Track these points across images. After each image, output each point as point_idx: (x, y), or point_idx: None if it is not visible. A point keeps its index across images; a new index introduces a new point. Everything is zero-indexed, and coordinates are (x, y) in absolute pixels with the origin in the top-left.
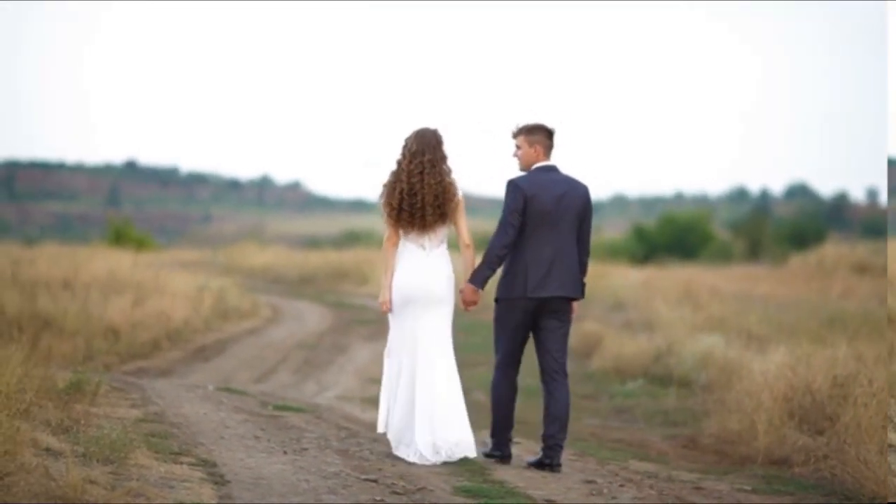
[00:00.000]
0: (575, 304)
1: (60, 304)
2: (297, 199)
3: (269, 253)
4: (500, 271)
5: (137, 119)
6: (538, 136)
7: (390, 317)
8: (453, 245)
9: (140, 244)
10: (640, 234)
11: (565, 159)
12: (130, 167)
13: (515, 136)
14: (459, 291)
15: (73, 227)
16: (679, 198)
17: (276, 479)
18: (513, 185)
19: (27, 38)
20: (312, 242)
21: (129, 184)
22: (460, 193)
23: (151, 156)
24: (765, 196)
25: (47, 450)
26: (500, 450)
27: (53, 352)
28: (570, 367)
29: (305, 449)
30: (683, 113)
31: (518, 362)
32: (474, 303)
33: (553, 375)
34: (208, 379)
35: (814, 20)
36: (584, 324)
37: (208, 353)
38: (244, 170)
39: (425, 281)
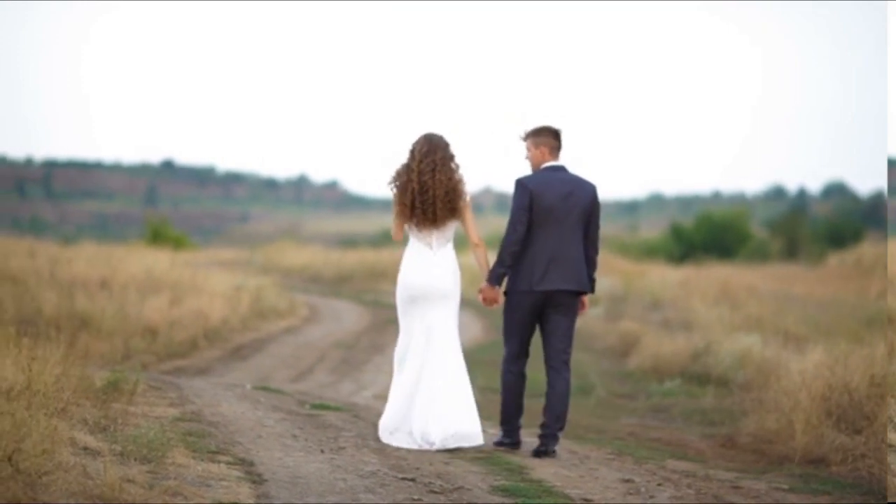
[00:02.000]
0: (585, 299)
1: (98, 304)
2: (334, 198)
3: (306, 252)
4: None
5: (175, 118)
6: (544, 137)
7: (399, 314)
8: (460, 244)
9: (177, 243)
10: (677, 233)
11: (602, 158)
12: (168, 166)
13: (524, 139)
14: (479, 291)
15: (110, 226)
16: (716, 197)
17: (314, 478)
18: (519, 184)
19: (65, 38)
20: (349, 241)
21: (166, 183)
22: (468, 193)
23: (189, 155)
24: (802, 195)
25: (85, 449)
26: (509, 437)
27: (91, 351)
28: (608, 366)
29: (343, 448)
30: (721, 111)
31: (526, 353)
32: (495, 300)
33: (555, 366)
34: (246, 378)
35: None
36: (622, 323)
37: (246, 353)
38: (281, 169)
39: (432, 278)
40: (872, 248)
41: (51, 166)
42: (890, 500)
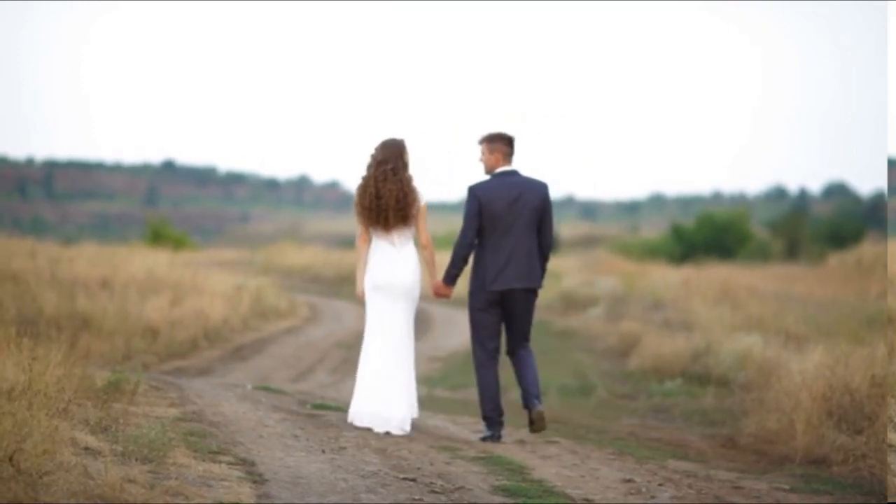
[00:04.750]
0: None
1: (99, 304)
2: (334, 198)
3: (306, 252)
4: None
5: (176, 119)
6: (497, 144)
7: (366, 306)
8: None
9: (178, 244)
10: (678, 233)
11: (603, 159)
12: (168, 167)
13: (479, 143)
14: (433, 286)
15: (111, 226)
16: (717, 197)
17: (315, 478)
18: (469, 192)
19: (65, 38)
20: (350, 242)
21: (167, 183)
22: (422, 201)
23: (189, 155)
24: (803, 195)
25: (86, 449)
26: (491, 430)
27: (92, 351)
28: (609, 366)
29: (344, 448)
30: (722, 111)
31: (496, 349)
32: (445, 295)
33: (518, 352)
34: (246, 378)
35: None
36: (623, 323)
37: (246, 353)
38: (282, 169)
39: (394, 274)
40: (873, 248)
41: (51, 166)
42: (891, 501)
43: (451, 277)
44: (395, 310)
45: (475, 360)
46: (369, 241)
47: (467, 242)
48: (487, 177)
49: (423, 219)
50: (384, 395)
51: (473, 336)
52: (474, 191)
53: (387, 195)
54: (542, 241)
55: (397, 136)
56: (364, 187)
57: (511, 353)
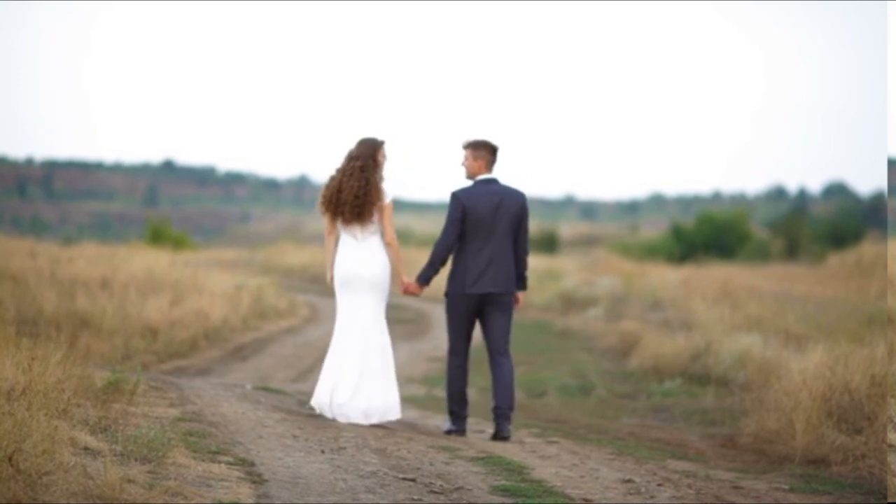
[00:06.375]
0: (520, 295)
1: (99, 304)
2: None
3: (306, 252)
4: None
5: (175, 118)
6: (482, 151)
7: (337, 303)
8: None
9: (178, 243)
10: (678, 233)
11: (603, 158)
12: (168, 166)
13: (464, 148)
14: (403, 284)
15: (111, 226)
16: (717, 197)
17: (314, 479)
18: (453, 197)
19: (65, 38)
20: None
21: (166, 183)
22: (388, 199)
23: (189, 155)
24: (803, 195)
25: (85, 449)
26: (456, 425)
27: (92, 351)
28: (608, 366)
29: (343, 448)
30: (722, 111)
31: (467, 349)
32: (415, 293)
33: (495, 357)
34: (246, 378)
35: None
36: (623, 323)
37: (246, 353)
38: (282, 169)
39: (357, 267)
40: (872, 247)
41: (51, 166)
42: (890, 501)
43: (425, 278)
44: (363, 303)
45: (448, 357)
46: (336, 233)
47: (447, 245)
48: (469, 182)
49: (388, 217)
50: (363, 385)
51: (450, 334)
52: (458, 196)
53: (346, 191)
54: (519, 248)
55: (378, 136)
56: (331, 180)
57: (490, 358)
